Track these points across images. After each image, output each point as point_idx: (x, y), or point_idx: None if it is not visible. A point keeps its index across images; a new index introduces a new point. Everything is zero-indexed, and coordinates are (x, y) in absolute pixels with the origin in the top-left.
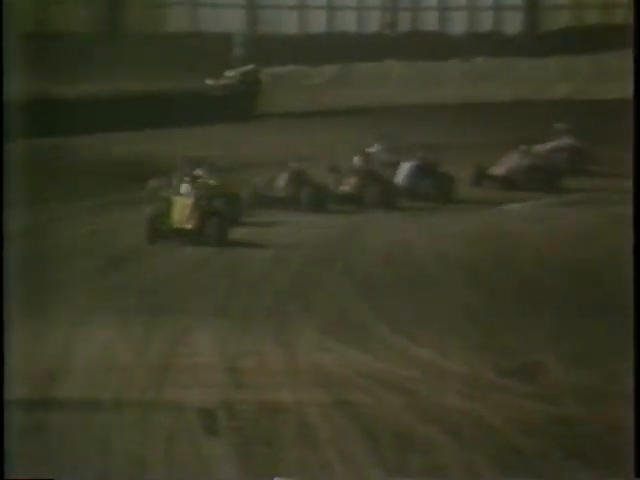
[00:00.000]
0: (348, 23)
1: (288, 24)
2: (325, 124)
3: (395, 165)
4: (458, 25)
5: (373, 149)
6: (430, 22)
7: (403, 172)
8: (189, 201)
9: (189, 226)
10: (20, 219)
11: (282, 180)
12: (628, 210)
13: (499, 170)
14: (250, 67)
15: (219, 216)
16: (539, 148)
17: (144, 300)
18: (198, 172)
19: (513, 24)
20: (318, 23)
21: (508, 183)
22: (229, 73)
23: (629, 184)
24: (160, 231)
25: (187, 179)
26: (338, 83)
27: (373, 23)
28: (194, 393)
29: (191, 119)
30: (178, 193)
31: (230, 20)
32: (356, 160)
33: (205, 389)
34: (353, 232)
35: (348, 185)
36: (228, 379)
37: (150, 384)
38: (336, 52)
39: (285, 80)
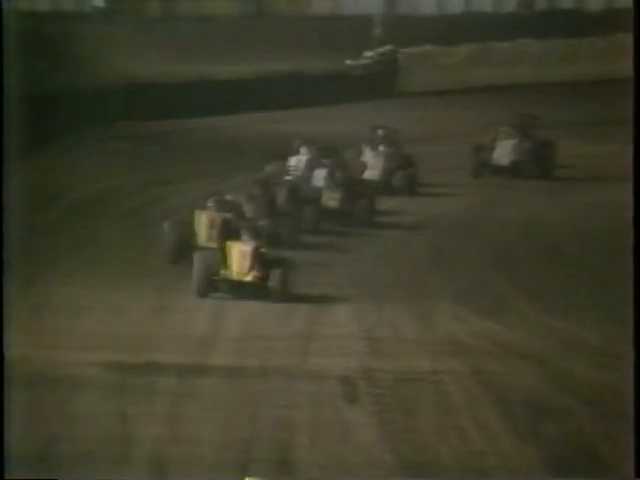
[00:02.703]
0: (485, 3)
1: (426, 5)
2: (461, 102)
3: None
4: (596, 1)
5: (301, 155)
6: None
7: (318, 179)
8: (248, 248)
9: (249, 278)
10: (180, 193)
11: (282, 195)
12: None
13: None
14: (388, 47)
15: (284, 266)
16: None
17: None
18: (210, 204)
19: None
20: (455, 3)
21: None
22: (368, 53)
23: None
24: (215, 282)
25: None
26: (474, 62)
27: (510, 2)
28: (335, 362)
29: (332, 98)
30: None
31: (370, 2)
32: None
33: (346, 358)
34: (488, 206)
35: (334, 200)
36: (367, 348)
37: (294, 353)
38: (473, 32)
39: (422, 59)
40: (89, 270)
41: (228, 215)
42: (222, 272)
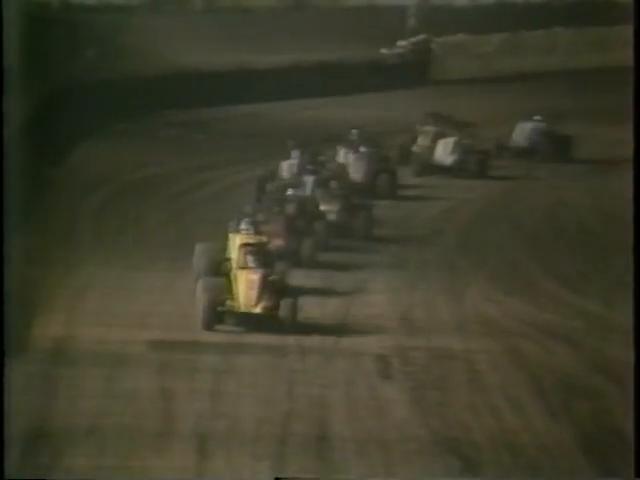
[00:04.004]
0: None
1: None
2: (493, 90)
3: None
4: None
5: (293, 160)
6: None
7: (309, 186)
8: (255, 276)
9: (258, 310)
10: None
11: (292, 211)
12: None
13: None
14: (422, 37)
15: (292, 295)
16: None
17: (321, 255)
18: (244, 227)
19: None
20: None
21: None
22: (402, 43)
23: None
24: (222, 315)
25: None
26: (506, 51)
27: None
28: (370, 340)
29: (367, 86)
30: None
31: None
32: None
33: (380, 336)
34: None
35: (331, 213)
36: (401, 328)
37: (330, 333)
38: (505, 21)
39: (455, 49)
40: (133, 252)
41: (263, 238)
42: (228, 303)
